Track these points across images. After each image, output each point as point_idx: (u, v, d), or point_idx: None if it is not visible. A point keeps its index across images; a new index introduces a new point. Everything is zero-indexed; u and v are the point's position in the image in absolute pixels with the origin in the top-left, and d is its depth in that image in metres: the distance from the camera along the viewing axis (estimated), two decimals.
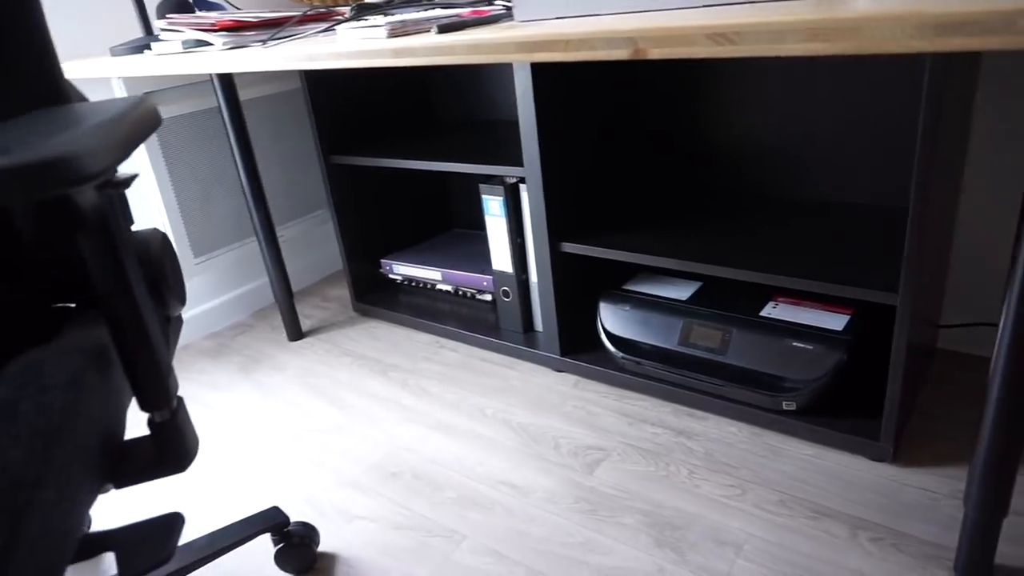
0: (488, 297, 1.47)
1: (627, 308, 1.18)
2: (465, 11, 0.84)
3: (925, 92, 0.76)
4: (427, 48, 0.68)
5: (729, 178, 1.28)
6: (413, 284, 1.60)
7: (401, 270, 1.57)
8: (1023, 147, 1.04)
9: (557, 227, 1.18)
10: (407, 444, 1.14)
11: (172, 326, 0.69)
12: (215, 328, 1.64)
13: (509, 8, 0.84)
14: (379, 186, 1.59)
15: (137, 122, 0.47)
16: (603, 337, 1.20)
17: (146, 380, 0.49)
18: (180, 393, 0.60)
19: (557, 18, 0.73)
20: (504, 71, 1.53)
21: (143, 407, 0.51)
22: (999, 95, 1.03)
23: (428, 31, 0.78)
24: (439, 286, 1.54)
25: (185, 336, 1.58)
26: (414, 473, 1.07)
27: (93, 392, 0.47)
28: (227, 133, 1.35)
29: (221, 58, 0.87)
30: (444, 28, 0.74)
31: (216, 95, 1.33)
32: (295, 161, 1.72)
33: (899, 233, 1.03)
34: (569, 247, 1.17)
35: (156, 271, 0.62)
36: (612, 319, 1.20)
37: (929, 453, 0.98)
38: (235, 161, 1.37)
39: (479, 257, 1.53)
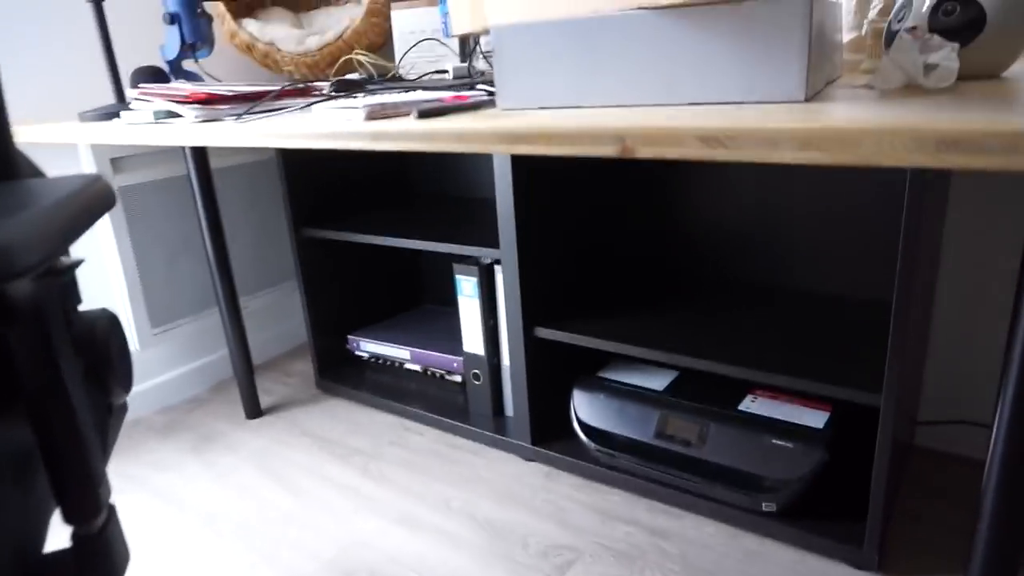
0: (458, 378, 1.43)
1: (602, 397, 1.15)
2: (447, 96, 0.83)
3: (907, 193, 0.75)
4: (405, 134, 0.66)
5: (709, 265, 1.27)
6: (380, 362, 1.55)
7: (368, 347, 1.51)
8: (998, 235, 1.05)
9: (531, 311, 1.15)
10: (365, 538, 1.07)
11: (114, 415, 0.64)
12: (169, 402, 1.55)
13: (491, 94, 0.84)
14: (350, 259, 1.56)
15: (87, 205, 0.43)
16: (576, 427, 1.16)
17: (73, 491, 0.44)
18: (123, 475, 0.54)
19: (540, 108, 0.72)
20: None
21: (67, 519, 0.46)
22: (973, 187, 1.05)
23: (407, 115, 0.76)
24: (407, 365, 1.48)
25: (135, 410, 1.50)
26: (371, 572, 0.99)
27: (8, 503, 0.42)
28: (195, 202, 1.31)
29: (192, 131, 0.84)
30: (424, 113, 0.72)
31: (187, 163, 1.30)
32: (265, 231, 1.69)
33: (880, 327, 1.02)
34: (543, 332, 1.14)
35: (100, 356, 0.57)
36: (586, 408, 1.16)
37: (915, 563, 0.94)
38: (202, 230, 1.33)
39: (449, 336, 1.49)
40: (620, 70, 0.66)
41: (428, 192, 1.66)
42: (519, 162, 1.07)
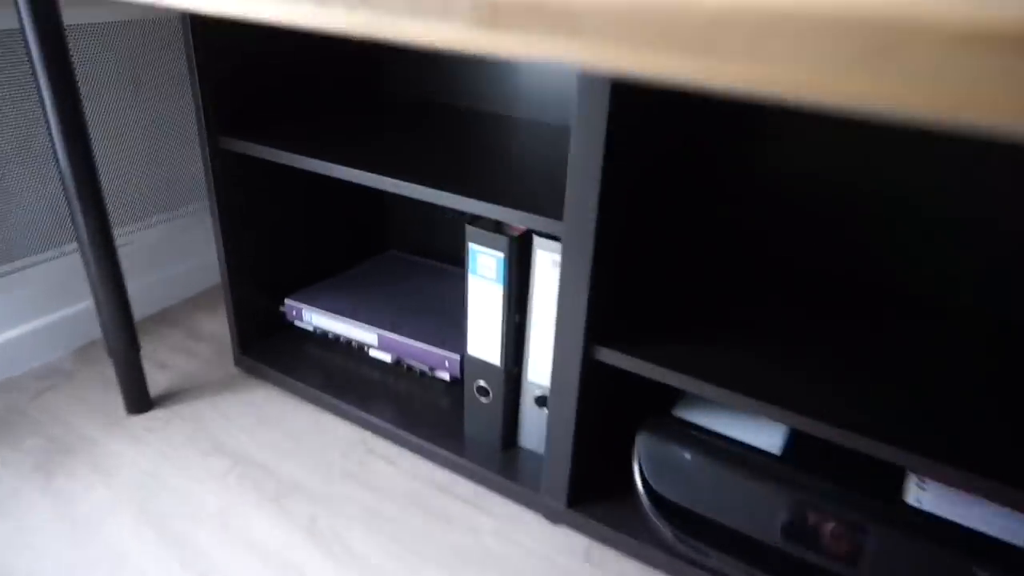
0: (445, 376, 1.00)
1: (685, 456, 0.75)
2: None
3: None
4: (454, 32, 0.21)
5: (846, 265, 0.87)
6: (331, 339, 1.10)
7: (315, 319, 1.05)
8: None
9: (598, 323, 0.73)
10: None
11: None
12: (10, 373, 1.06)
13: None
14: (290, 187, 1.07)
15: None
16: (641, 492, 0.77)
17: None
18: None
19: None
20: None
21: None
22: None
23: None
24: (373, 352, 1.04)
25: None
26: None
27: None
28: (36, 77, 0.79)
29: None
30: None
31: (18, 11, 0.76)
32: (160, 130, 1.16)
33: None
34: (608, 356, 0.72)
35: None
36: (657, 467, 0.77)
37: None
38: (48, 125, 0.81)
39: (434, 310, 1.05)
40: None
41: (412, 98, 1.16)
42: (624, 86, 0.61)
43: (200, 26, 0.86)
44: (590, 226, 0.65)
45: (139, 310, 1.21)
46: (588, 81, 0.60)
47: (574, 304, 0.70)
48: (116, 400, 1.02)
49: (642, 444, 0.78)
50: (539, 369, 0.83)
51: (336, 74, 1.08)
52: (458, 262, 1.22)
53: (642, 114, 0.69)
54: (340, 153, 0.86)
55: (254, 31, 0.93)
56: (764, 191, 0.88)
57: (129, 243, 1.15)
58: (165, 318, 1.23)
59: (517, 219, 0.71)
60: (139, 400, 0.99)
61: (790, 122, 0.83)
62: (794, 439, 0.76)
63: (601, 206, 0.65)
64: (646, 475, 0.77)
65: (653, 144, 0.74)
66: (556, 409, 0.76)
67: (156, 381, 1.06)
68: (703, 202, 0.93)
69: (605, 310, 0.74)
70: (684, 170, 0.89)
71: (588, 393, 0.77)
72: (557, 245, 0.75)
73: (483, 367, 0.85)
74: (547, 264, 0.77)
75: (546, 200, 0.73)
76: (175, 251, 1.25)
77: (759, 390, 0.65)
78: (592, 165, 0.63)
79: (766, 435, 0.76)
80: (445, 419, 0.94)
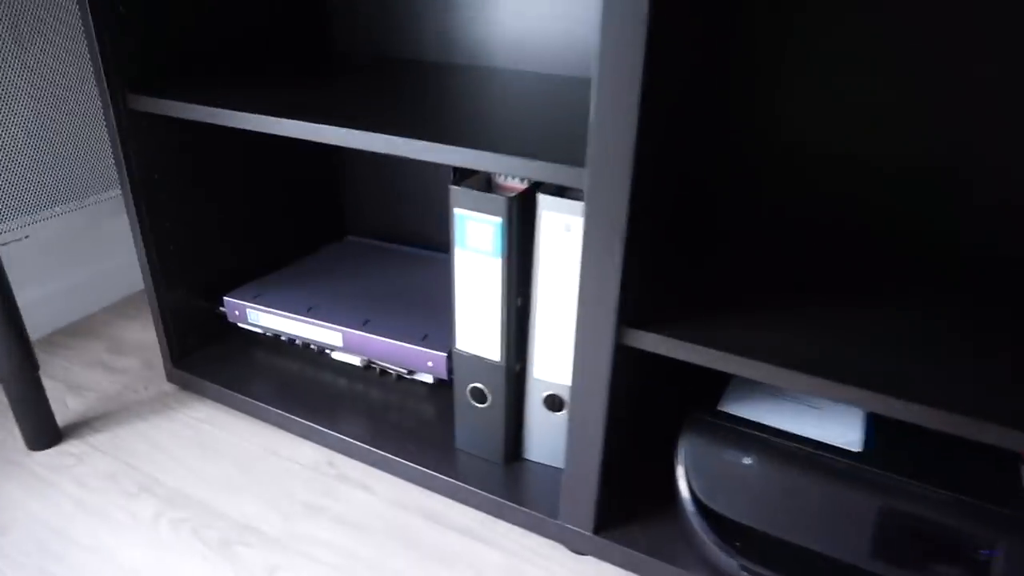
0: (427, 378, 0.83)
1: (746, 460, 0.60)
2: None
3: None
4: None
5: (925, 223, 0.73)
6: (281, 341, 0.91)
7: (261, 318, 0.87)
8: None
9: (630, 299, 0.57)
10: None
11: None
12: None
13: None
14: (224, 162, 0.88)
15: None
16: (688, 509, 0.61)
17: None
18: None
19: None
20: None
21: None
22: None
23: None
24: (337, 355, 0.86)
25: None
26: None
27: None
28: None
29: None
30: None
31: None
32: (59, 93, 0.95)
33: None
34: (644, 340, 0.56)
35: None
36: (708, 476, 0.61)
37: None
38: None
39: (406, 299, 0.87)
40: None
41: (371, 55, 0.98)
42: None
43: None
44: (625, 171, 0.49)
45: (45, 322, 1.00)
46: None
47: (602, 278, 0.54)
48: (14, 432, 0.82)
49: (687, 448, 0.62)
50: (548, 363, 0.67)
51: (277, 25, 0.90)
52: (429, 244, 1.04)
53: (685, 15, 0.53)
54: (283, 106, 0.68)
55: None
56: (807, 138, 0.73)
57: (21, 239, 0.94)
58: (79, 330, 1.02)
59: (519, 169, 0.54)
60: (43, 432, 0.79)
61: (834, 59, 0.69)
62: (875, 430, 0.61)
63: (640, 141, 0.48)
64: (694, 487, 0.62)
65: (691, 60, 0.58)
66: (579, 411, 0.60)
67: (69, 407, 0.86)
68: (733, 146, 0.77)
69: (640, 284, 0.58)
70: (711, 103, 0.74)
71: (619, 389, 0.60)
72: (569, 204, 0.59)
73: (478, 365, 0.68)
74: (556, 229, 0.60)
75: (553, 146, 0.57)
76: (88, 249, 1.04)
77: (830, 368, 0.50)
78: (622, 96, 0.46)
79: (839, 427, 0.62)
80: (431, 431, 0.77)
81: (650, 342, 0.55)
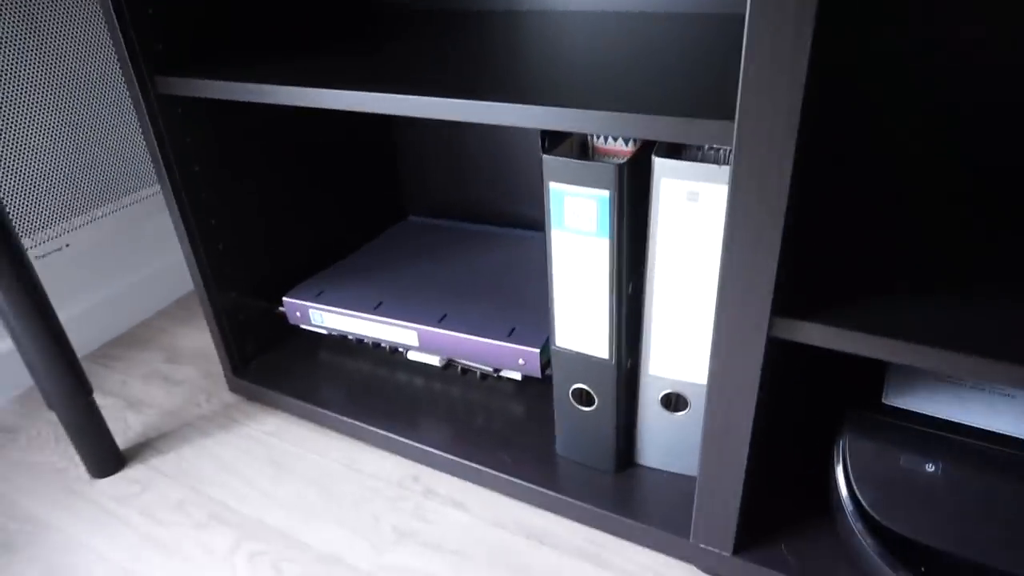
0: (516, 376, 0.73)
1: (929, 465, 0.49)
2: None
3: None
4: None
5: None
6: (349, 342, 0.83)
7: (328, 319, 0.78)
8: None
9: (787, 287, 0.45)
10: None
11: None
12: None
13: None
14: (269, 146, 0.79)
15: None
16: (855, 525, 0.51)
17: None
18: None
19: None
20: None
21: None
22: None
23: None
24: (413, 355, 0.77)
25: None
26: None
27: None
28: None
29: None
30: None
31: None
32: (83, 88, 0.87)
33: None
34: (800, 331, 0.45)
35: None
36: (878, 486, 0.50)
37: None
38: None
39: (486, 286, 0.77)
40: None
41: (418, 7, 0.87)
42: None
43: None
44: (791, 121, 0.37)
45: (96, 335, 0.94)
46: None
47: (754, 260, 0.42)
48: (75, 460, 0.75)
49: (851, 453, 0.51)
50: (665, 358, 0.56)
51: None
52: (501, 221, 0.94)
53: None
54: (326, 74, 0.57)
55: None
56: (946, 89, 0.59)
57: (61, 248, 0.87)
58: (134, 339, 0.96)
59: (639, 128, 0.43)
60: (104, 459, 0.73)
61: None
62: None
63: (811, 79, 0.37)
64: (861, 500, 0.51)
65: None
66: (719, 417, 0.50)
67: (130, 425, 0.80)
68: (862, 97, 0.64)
69: (798, 264, 0.47)
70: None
71: (768, 387, 0.50)
72: (695, 167, 0.48)
73: (582, 364, 0.58)
74: (678, 199, 0.49)
75: (672, 99, 0.45)
76: (133, 252, 0.97)
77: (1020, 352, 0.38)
78: (791, 25, 0.35)
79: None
80: (526, 436, 0.68)
81: (812, 334, 0.44)
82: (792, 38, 0.35)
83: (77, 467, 0.74)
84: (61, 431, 0.80)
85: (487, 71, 0.55)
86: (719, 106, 0.42)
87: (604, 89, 0.48)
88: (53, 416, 0.82)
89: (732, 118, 0.40)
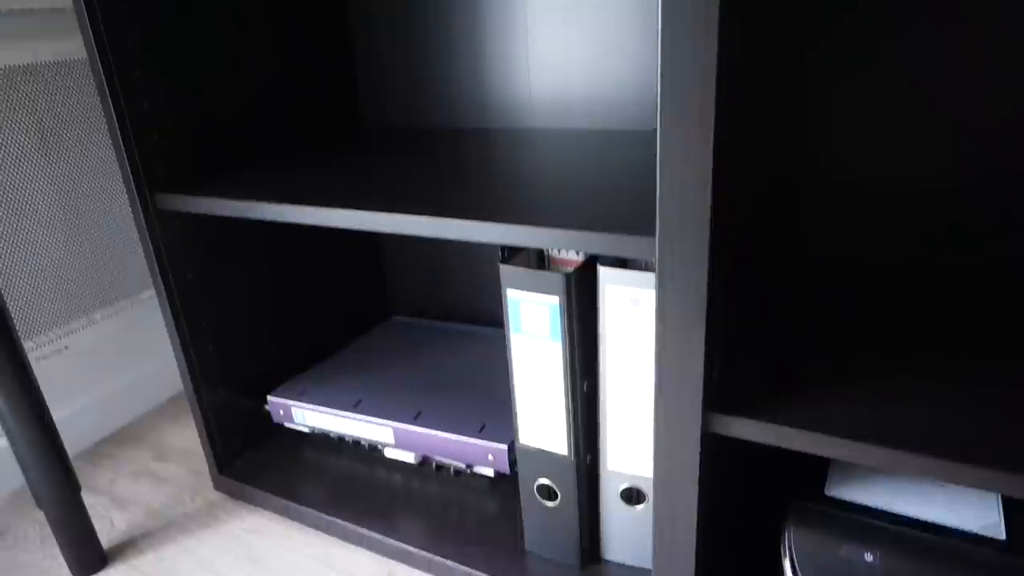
0: (488, 471, 0.76)
1: (868, 555, 0.51)
2: None
3: None
4: None
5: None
6: (331, 440, 0.86)
7: (310, 418, 0.82)
8: None
9: (717, 382, 0.49)
10: None
11: None
12: None
13: None
14: (258, 254, 0.84)
15: None
16: None
17: None
18: None
19: None
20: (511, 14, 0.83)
21: None
22: None
23: None
24: (390, 452, 0.80)
25: None
26: None
27: None
28: None
29: None
30: None
31: None
32: (86, 197, 0.94)
33: None
34: (734, 426, 0.48)
35: None
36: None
37: None
38: None
39: (461, 383, 0.81)
40: None
41: (401, 126, 0.95)
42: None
43: (113, 36, 0.65)
44: (702, 236, 0.43)
45: (91, 431, 0.97)
46: None
47: (682, 358, 0.47)
48: (59, 559, 0.77)
49: (795, 541, 0.53)
50: (622, 454, 0.59)
51: (305, 103, 0.87)
52: (479, 320, 0.99)
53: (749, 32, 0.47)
54: (314, 194, 0.63)
55: (187, 46, 0.72)
56: (870, 172, 0.66)
57: (61, 350, 0.92)
58: (126, 437, 0.99)
59: (577, 243, 0.48)
60: (88, 558, 0.74)
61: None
62: (1011, 509, 0.52)
63: (717, 200, 0.42)
64: None
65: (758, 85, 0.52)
66: (664, 510, 0.52)
67: (115, 525, 0.82)
68: (788, 190, 0.70)
69: (722, 360, 0.51)
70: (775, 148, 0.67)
71: (709, 480, 0.53)
72: (635, 275, 0.52)
73: (543, 459, 0.61)
74: (622, 304, 0.54)
75: (612, 213, 0.51)
76: (128, 352, 1.01)
77: (956, 447, 0.42)
78: (700, 130, 0.40)
79: (972, 509, 0.52)
80: (497, 532, 0.70)
81: (744, 429, 0.48)
82: (697, 167, 0.41)
83: (60, 567, 0.76)
84: (48, 530, 0.82)
85: (456, 188, 0.61)
86: (650, 222, 0.48)
87: (555, 205, 0.53)
88: (41, 515, 0.84)
89: (652, 234, 0.45)
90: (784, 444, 0.47)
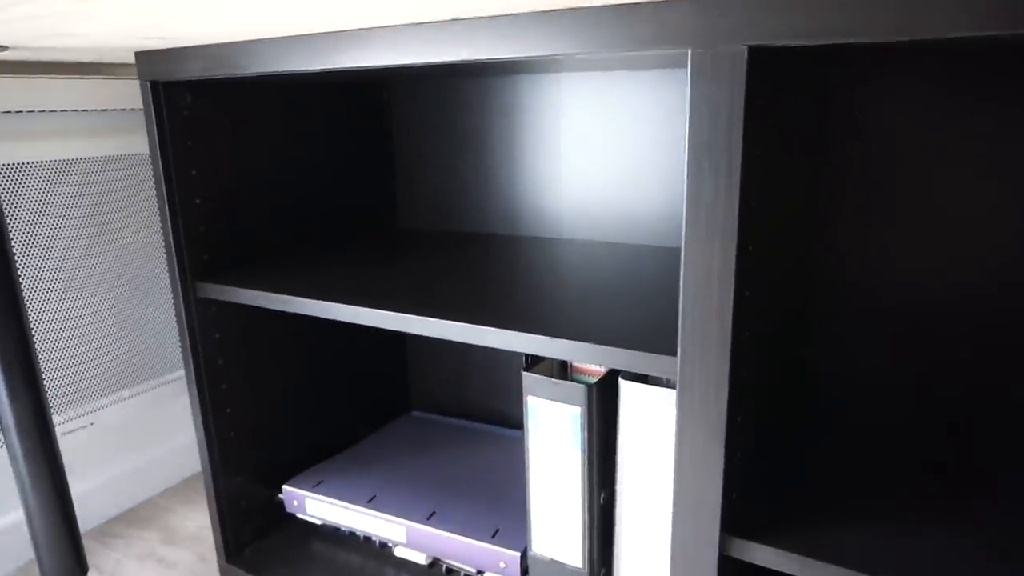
0: None
1: None
2: None
3: None
4: None
5: None
6: (342, 534, 0.85)
7: (320, 510, 0.81)
8: None
9: (736, 506, 0.49)
10: None
11: None
12: None
13: None
14: (285, 344, 0.87)
15: None
16: None
17: None
18: None
19: None
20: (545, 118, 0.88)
21: None
22: None
23: None
24: (400, 551, 0.79)
25: None
26: None
27: None
28: None
29: None
30: None
31: None
32: (130, 282, 0.98)
33: None
34: (753, 552, 0.48)
35: None
36: None
37: None
38: None
39: (477, 486, 0.81)
40: None
41: (435, 230, 0.99)
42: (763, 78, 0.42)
43: (176, 151, 0.69)
44: (723, 359, 0.44)
45: (103, 508, 0.97)
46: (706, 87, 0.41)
47: (701, 480, 0.47)
48: None
49: None
50: (638, 570, 0.58)
51: (339, 204, 0.91)
52: (499, 420, 0.99)
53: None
54: (345, 292, 0.66)
55: (239, 149, 0.77)
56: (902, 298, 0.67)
57: (85, 426, 0.94)
58: (137, 516, 0.98)
59: (600, 358, 0.50)
60: None
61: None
62: None
63: (738, 323, 0.43)
64: None
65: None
66: None
67: None
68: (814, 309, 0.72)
69: (742, 483, 0.50)
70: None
71: None
72: (656, 391, 0.53)
73: (556, 571, 0.60)
74: (643, 418, 0.54)
75: (635, 329, 0.52)
76: (150, 432, 1.03)
77: None
78: (722, 254, 0.42)
79: None
80: None
81: (762, 555, 0.47)
82: (719, 290, 0.43)
83: None
84: None
85: (484, 294, 0.63)
86: (672, 339, 0.49)
87: (579, 317, 0.55)
88: None
89: (674, 353, 0.46)
90: (796, 573, 0.46)
